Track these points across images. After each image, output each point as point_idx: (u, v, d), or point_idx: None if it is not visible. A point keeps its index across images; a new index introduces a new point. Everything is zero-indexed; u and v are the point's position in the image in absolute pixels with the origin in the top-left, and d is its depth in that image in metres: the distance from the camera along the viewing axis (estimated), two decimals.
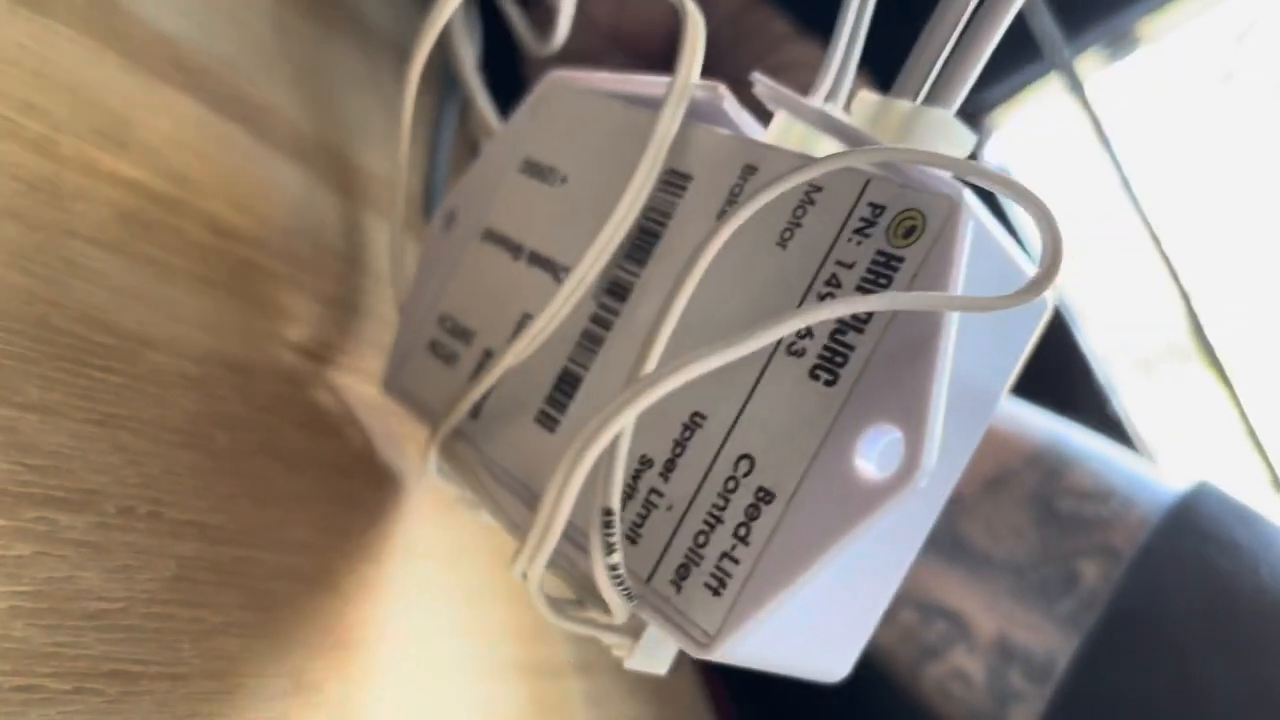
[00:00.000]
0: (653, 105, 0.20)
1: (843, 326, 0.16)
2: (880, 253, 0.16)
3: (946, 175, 0.16)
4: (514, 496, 0.19)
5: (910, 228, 0.16)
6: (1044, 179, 0.43)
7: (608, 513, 0.15)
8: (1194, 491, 0.29)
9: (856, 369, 0.15)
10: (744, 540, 0.16)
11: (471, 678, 0.25)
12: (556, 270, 0.20)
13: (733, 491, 0.16)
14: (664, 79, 0.20)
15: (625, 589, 0.16)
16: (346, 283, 0.26)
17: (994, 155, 0.41)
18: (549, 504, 0.15)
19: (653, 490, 0.17)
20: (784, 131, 0.19)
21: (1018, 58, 0.38)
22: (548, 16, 0.25)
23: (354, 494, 0.23)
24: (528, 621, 0.28)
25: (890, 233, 0.16)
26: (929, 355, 0.15)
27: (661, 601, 0.16)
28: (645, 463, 0.17)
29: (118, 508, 0.17)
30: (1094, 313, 0.40)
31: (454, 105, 0.33)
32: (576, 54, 0.29)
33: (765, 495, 0.16)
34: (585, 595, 0.17)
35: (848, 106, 0.20)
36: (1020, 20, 0.17)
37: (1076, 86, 0.37)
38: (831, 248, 0.16)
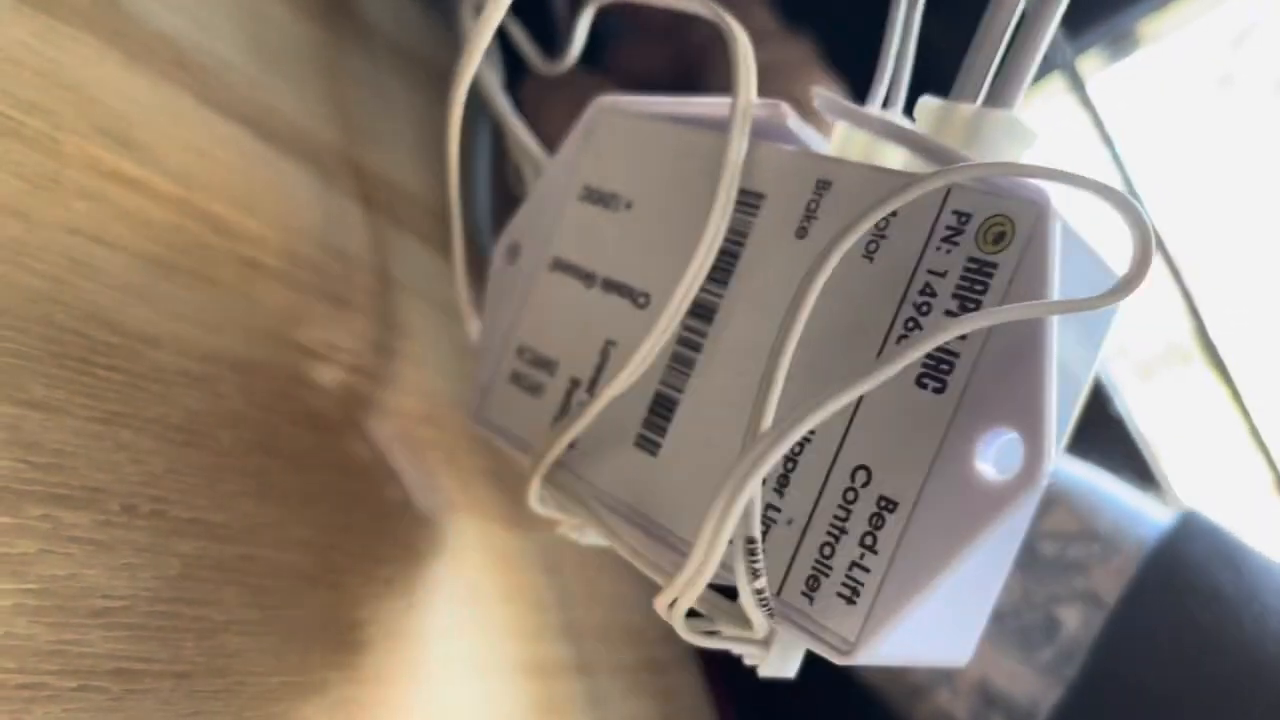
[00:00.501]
0: (706, 126, 0.20)
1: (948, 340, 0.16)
2: (972, 259, 0.16)
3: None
4: (624, 521, 0.20)
5: (1000, 234, 0.16)
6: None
7: (751, 541, 0.16)
8: (1178, 530, 0.28)
9: (964, 375, 0.16)
10: (871, 549, 0.16)
11: (473, 677, 0.25)
12: (635, 296, 0.21)
13: (853, 502, 0.17)
14: (718, 100, 0.20)
15: (769, 608, 0.17)
16: (348, 282, 0.26)
17: None
18: (700, 553, 0.16)
19: (770, 506, 0.18)
20: (846, 142, 0.20)
21: None
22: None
23: (356, 493, 0.23)
24: (528, 621, 0.28)
25: (980, 239, 0.16)
26: (1038, 358, 0.15)
27: (797, 614, 0.17)
28: None
29: (121, 505, 0.17)
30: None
31: (485, 129, 0.33)
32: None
33: (887, 504, 0.16)
34: (715, 611, 0.18)
35: (906, 110, 0.20)
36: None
37: (1078, 86, 0.37)
38: (921, 257, 0.17)
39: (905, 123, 0.19)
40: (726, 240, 0.19)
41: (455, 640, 0.25)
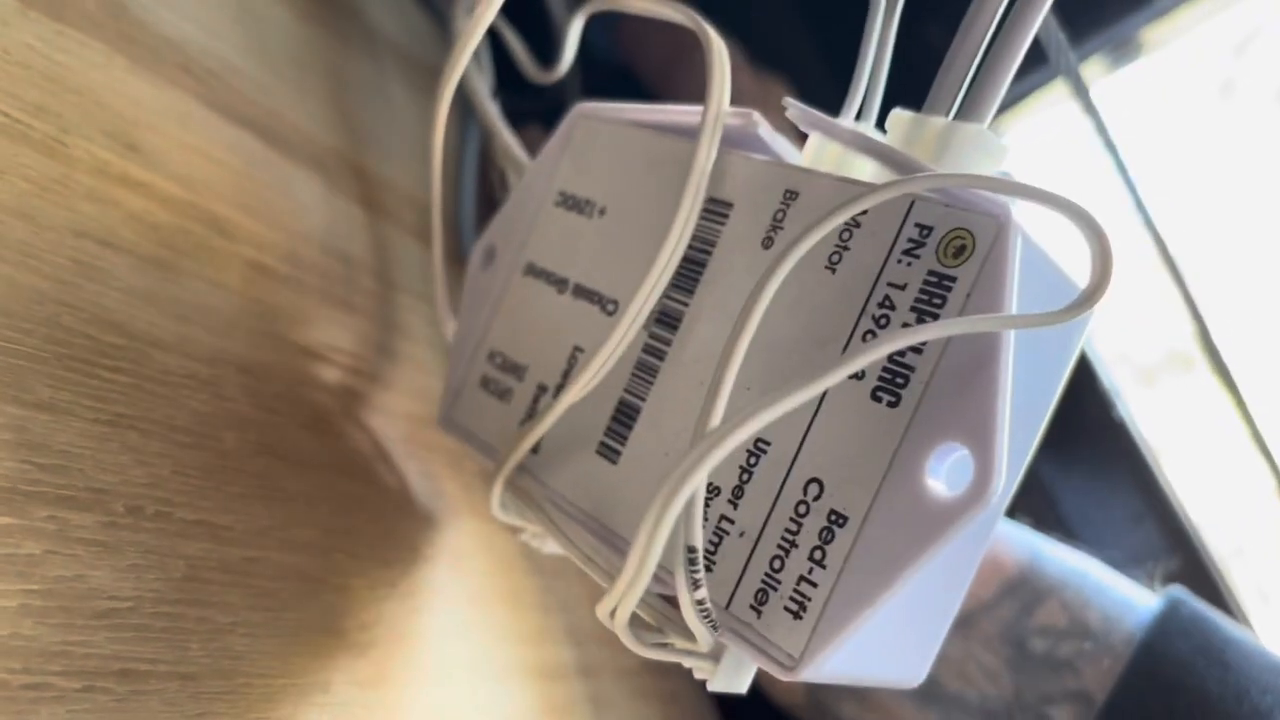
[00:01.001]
0: (683, 134, 0.20)
1: (901, 348, 0.16)
2: (932, 273, 0.16)
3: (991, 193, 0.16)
4: (582, 529, 0.19)
5: (960, 247, 0.16)
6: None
7: (692, 550, 0.16)
8: (1165, 622, 0.28)
9: (918, 389, 0.16)
10: (820, 563, 0.16)
11: (476, 679, 0.25)
12: (604, 302, 0.21)
13: (804, 515, 0.16)
14: (693, 108, 0.20)
15: (711, 620, 0.17)
16: (353, 286, 0.26)
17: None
18: (637, 556, 0.15)
19: (723, 517, 0.17)
20: (819, 153, 0.20)
21: (1022, 64, 0.38)
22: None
23: (359, 495, 0.23)
24: (531, 624, 0.28)
25: (940, 253, 0.16)
26: (991, 373, 0.15)
27: (744, 627, 0.17)
28: (713, 491, 0.18)
29: (127, 507, 0.17)
30: (1098, 318, 0.40)
31: (474, 133, 0.33)
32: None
33: (838, 518, 0.16)
34: (665, 623, 0.18)
35: (879, 124, 0.20)
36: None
37: (1081, 92, 0.37)
38: (882, 270, 0.17)
39: (877, 135, 0.19)
40: (693, 248, 0.19)
41: (459, 643, 0.25)
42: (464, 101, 0.31)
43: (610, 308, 0.20)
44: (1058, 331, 0.17)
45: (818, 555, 0.16)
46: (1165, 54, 0.40)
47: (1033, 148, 0.42)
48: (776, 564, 0.16)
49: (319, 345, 0.24)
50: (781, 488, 0.17)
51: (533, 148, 0.27)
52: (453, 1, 0.29)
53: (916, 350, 0.16)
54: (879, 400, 0.16)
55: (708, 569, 0.17)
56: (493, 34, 0.29)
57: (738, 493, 0.17)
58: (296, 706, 0.19)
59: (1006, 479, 0.15)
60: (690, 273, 0.19)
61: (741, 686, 0.18)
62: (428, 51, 0.35)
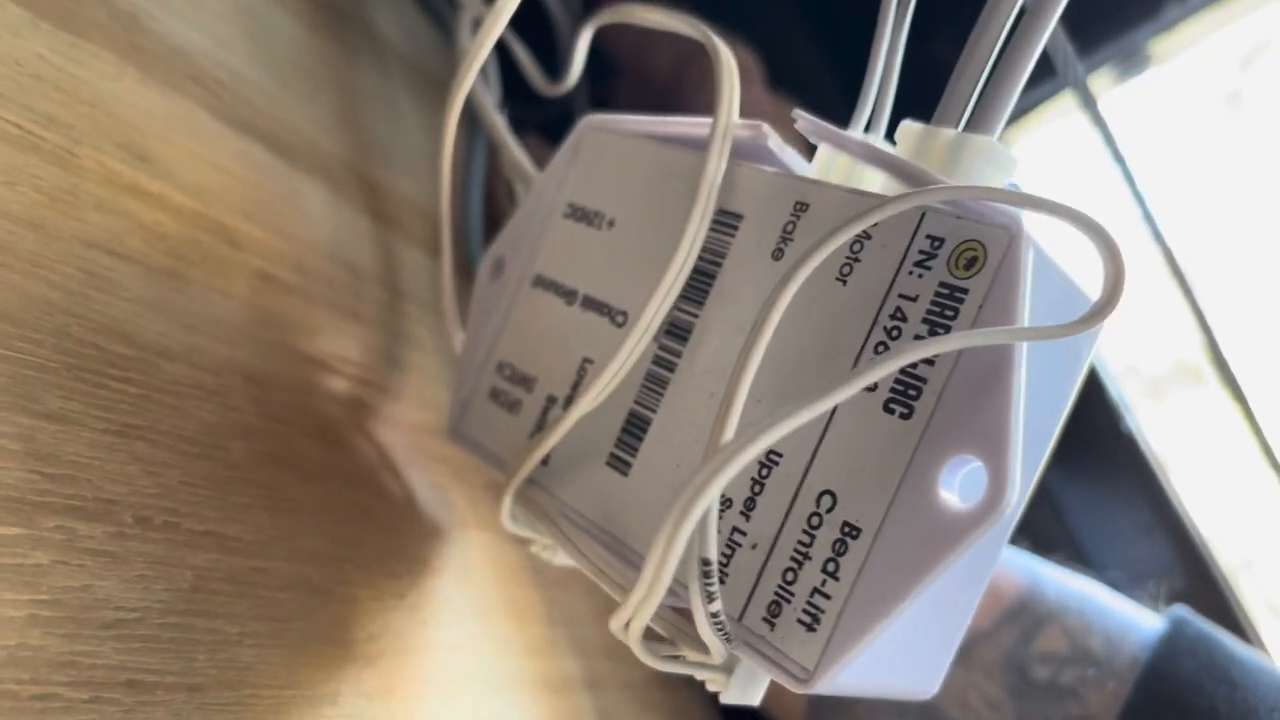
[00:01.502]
0: (691, 146, 0.20)
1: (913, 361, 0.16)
2: (943, 285, 0.16)
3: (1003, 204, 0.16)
4: (593, 541, 0.19)
5: (971, 259, 0.16)
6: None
7: (706, 563, 0.16)
8: (1170, 643, 0.27)
9: (931, 401, 0.16)
10: (833, 575, 0.16)
11: (483, 691, 0.25)
12: (613, 314, 0.20)
13: (817, 528, 0.16)
14: (702, 120, 0.20)
15: (725, 633, 0.16)
16: (361, 296, 0.26)
17: None
18: (652, 569, 0.15)
19: (735, 529, 0.17)
20: (828, 164, 0.20)
21: (1031, 75, 0.38)
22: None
23: (367, 506, 0.23)
24: (537, 636, 0.28)
25: (951, 265, 0.16)
26: (1004, 385, 0.15)
27: (757, 639, 0.17)
28: (725, 502, 0.18)
29: (134, 517, 0.17)
30: (1107, 330, 0.40)
31: (481, 144, 0.33)
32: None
33: (851, 530, 0.16)
34: (678, 636, 0.17)
35: (888, 136, 0.20)
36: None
37: (1089, 104, 0.37)
38: (893, 282, 0.17)
39: (886, 146, 0.19)
40: (703, 260, 0.19)
41: (465, 655, 0.25)
42: (471, 113, 0.31)
43: (620, 319, 0.20)
44: (1069, 343, 0.17)
45: (831, 567, 0.16)
46: (1173, 66, 0.40)
47: (1041, 159, 0.42)
48: (790, 576, 0.16)
49: (326, 355, 0.24)
50: (794, 500, 0.17)
51: (531, 156, 0.27)
52: (458, 15, 0.29)
53: (929, 362, 0.16)
54: (891, 412, 0.16)
55: (720, 581, 0.17)
56: (499, 44, 0.29)
57: (750, 504, 0.17)
58: (304, 718, 0.19)
59: (1020, 491, 0.15)
60: (700, 284, 0.19)
61: (754, 699, 0.18)
62: (435, 62, 0.35)
